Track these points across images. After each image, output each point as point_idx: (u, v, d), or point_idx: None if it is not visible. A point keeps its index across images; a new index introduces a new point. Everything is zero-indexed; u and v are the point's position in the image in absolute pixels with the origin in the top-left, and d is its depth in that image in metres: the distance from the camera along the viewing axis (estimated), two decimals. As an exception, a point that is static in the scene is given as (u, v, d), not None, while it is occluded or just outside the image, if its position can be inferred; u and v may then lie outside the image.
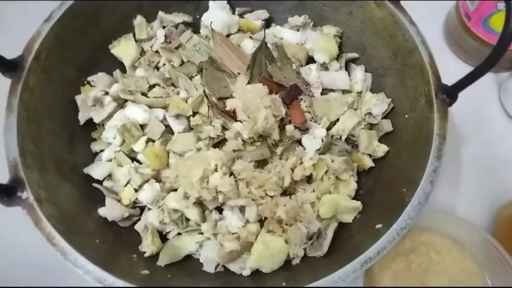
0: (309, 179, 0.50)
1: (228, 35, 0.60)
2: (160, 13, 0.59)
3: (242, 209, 0.47)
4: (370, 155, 0.53)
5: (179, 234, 0.50)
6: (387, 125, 0.52)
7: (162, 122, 0.53)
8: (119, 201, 0.50)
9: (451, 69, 0.68)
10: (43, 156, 0.47)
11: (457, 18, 0.68)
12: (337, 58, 0.58)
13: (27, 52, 0.47)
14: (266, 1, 0.62)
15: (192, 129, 0.53)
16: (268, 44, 0.56)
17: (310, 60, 0.58)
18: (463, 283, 0.51)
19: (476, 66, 0.42)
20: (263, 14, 0.61)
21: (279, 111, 0.47)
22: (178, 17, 0.60)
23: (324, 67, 0.57)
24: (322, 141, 0.49)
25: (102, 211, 0.49)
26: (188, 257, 0.49)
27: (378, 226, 0.42)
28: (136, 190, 0.50)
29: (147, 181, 0.50)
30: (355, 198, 0.50)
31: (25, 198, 0.41)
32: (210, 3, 0.60)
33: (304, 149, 0.50)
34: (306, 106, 0.53)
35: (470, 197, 0.61)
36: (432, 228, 0.54)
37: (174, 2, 0.60)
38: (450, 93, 0.44)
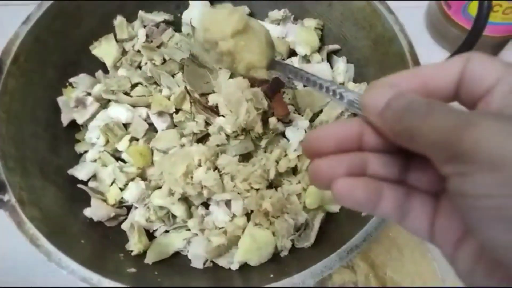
0: (294, 170, 0.50)
1: (209, 32, 0.60)
2: (141, 13, 0.59)
3: (228, 203, 0.47)
4: (355, 145, 0.53)
5: (166, 231, 0.49)
6: (370, 114, 0.52)
7: (145, 120, 0.53)
8: (105, 201, 0.49)
9: (434, 58, 0.68)
10: (26, 158, 0.46)
11: (438, 7, 0.68)
12: (319, 50, 0.58)
13: (5, 55, 0.47)
14: (247, -3, 0.62)
15: (175, 126, 0.53)
16: (249, 39, 0.56)
17: (292, 53, 0.58)
18: (414, 284, 0.51)
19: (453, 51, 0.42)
20: (244, 9, 0.61)
21: (261, 104, 0.47)
22: (159, 16, 0.60)
23: (306, 59, 0.57)
24: (305, 132, 0.49)
25: (87, 212, 0.48)
26: (176, 254, 0.48)
27: (364, 213, 0.42)
28: (121, 189, 0.50)
29: (132, 179, 0.50)
30: (342, 188, 0.50)
31: (6, 201, 0.41)
32: (191, 1, 0.60)
33: (288, 141, 0.50)
34: (289, 99, 0.53)
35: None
36: None
37: (155, 1, 0.60)
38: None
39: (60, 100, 0.53)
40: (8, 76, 0.46)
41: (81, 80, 0.55)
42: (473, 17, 0.61)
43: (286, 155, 0.48)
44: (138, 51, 0.58)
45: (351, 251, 0.39)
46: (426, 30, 0.73)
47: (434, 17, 0.70)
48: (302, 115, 0.52)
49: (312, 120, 0.52)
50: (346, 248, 0.39)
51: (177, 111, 0.52)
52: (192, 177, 0.45)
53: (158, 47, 0.58)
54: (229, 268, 0.46)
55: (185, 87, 0.52)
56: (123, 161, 0.52)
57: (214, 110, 0.50)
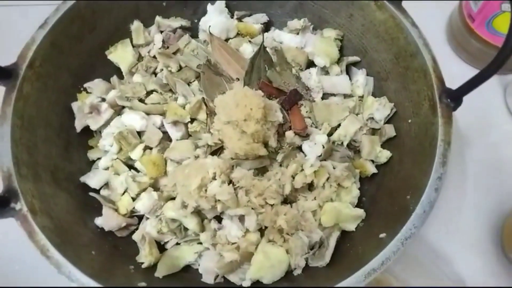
0: (310, 186, 0.48)
1: (226, 40, 0.59)
2: (158, 18, 0.58)
3: (241, 218, 0.46)
4: (372, 161, 0.51)
5: (177, 244, 0.48)
6: (390, 130, 0.51)
7: (159, 129, 0.52)
8: (116, 210, 0.49)
9: (455, 72, 0.66)
10: (38, 165, 0.46)
11: (460, 20, 0.66)
12: (338, 61, 0.56)
13: (21, 60, 0.47)
14: (265, 5, 0.61)
15: (190, 136, 0.52)
16: (267, 48, 0.55)
17: (310, 64, 0.57)
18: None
19: (481, 69, 0.41)
20: (262, 17, 0.60)
21: (275, 117, 0.46)
22: (176, 22, 0.59)
23: (325, 71, 0.56)
24: (323, 147, 0.48)
25: (98, 221, 0.47)
26: (187, 268, 0.48)
27: (382, 235, 0.41)
28: (133, 199, 0.49)
29: (144, 189, 0.49)
30: (358, 205, 0.49)
31: (18, 210, 0.40)
32: (209, 7, 0.59)
33: (305, 155, 0.49)
34: (307, 112, 0.51)
35: (476, 203, 0.59)
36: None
37: (172, 6, 0.60)
38: (455, 97, 0.43)
39: (75, 105, 0.53)
40: (23, 80, 0.46)
41: (95, 86, 0.54)
42: (498, 31, 0.60)
43: (302, 170, 0.47)
44: (154, 57, 0.58)
45: (369, 274, 0.38)
46: (446, 43, 0.71)
47: (456, 30, 0.68)
48: (320, 129, 0.51)
49: (330, 134, 0.51)
50: (364, 271, 0.38)
51: (192, 120, 0.51)
52: (206, 190, 0.44)
53: (174, 53, 0.57)
54: (241, 285, 0.45)
55: (202, 98, 0.51)
56: (136, 170, 0.51)
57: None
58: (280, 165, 0.49)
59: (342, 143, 0.51)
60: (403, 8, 0.49)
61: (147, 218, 0.49)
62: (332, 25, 0.58)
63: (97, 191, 0.50)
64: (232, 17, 0.60)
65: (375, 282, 0.50)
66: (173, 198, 0.48)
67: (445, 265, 0.52)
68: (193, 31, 0.61)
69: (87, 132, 0.53)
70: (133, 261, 0.46)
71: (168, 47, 0.58)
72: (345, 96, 0.55)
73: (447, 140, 0.42)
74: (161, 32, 0.59)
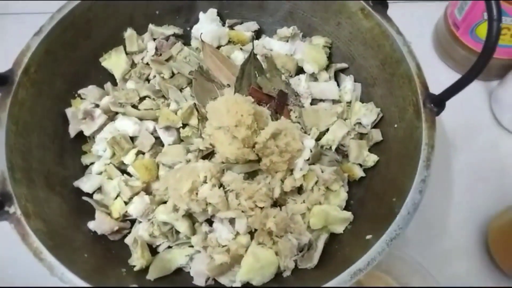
0: (299, 190, 0.49)
1: (218, 47, 0.60)
2: (151, 26, 0.60)
3: (232, 221, 0.47)
4: (360, 165, 0.53)
5: (169, 247, 0.49)
6: (376, 135, 0.52)
7: (152, 134, 0.53)
8: (109, 214, 0.49)
9: (441, 78, 0.67)
10: (32, 170, 0.46)
11: (445, 28, 0.68)
12: (327, 68, 0.58)
13: (17, 66, 0.48)
14: (257, 13, 0.63)
15: (182, 140, 0.53)
16: (257, 56, 0.56)
17: (300, 70, 0.58)
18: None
19: (462, 75, 0.42)
20: (253, 25, 0.62)
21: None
22: (169, 30, 0.60)
23: (314, 77, 0.57)
24: (311, 151, 0.49)
25: (91, 225, 0.48)
26: (178, 271, 0.48)
27: (368, 236, 0.42)
28: (126, 203, 0.50)
29: (137, 193, 0.50)
30: (346, 208, 0.50)
31: (12, 213, 0.41)
32: (201, 16, 0.60)
33: (294, 159, 0.50)
34: (296, 117, 0.53)
35: (462, 206, 0.60)
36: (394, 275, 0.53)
37: (165, 15, 0.61)
38: (438, 102, 0.45)
39: (69, 111, 0.53)
40: (18, 86, 0.47)
41: (89, 92, 0.55)
42: (481, 39, 0.62)
43: (291, 174, 0.48)
44: (147, 64, 0.59)
45: (355, 274, 0.39)
46: (433, 50, 0.73)
47: (442, 37, 0.70)
48: (308, 134, 0.52)
49: (318, 139, 0.52)
50: (350, 272, 0.39)
51: (184, 125, 0.52)
52: (197, 193, 0.45)
53: (167, 60, 0.59)
54: (231, 287, 0.46)
55: (194, 103, 0.52)
56: (129, 174, 0.52)
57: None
58: (270, 169, 0.50)
59: (330, 147, 0.52)
60: (389, 16, 0.51)
61: (140, 222, 0.50)
62: (321, 32, 0.59)
63: (90, 195, 0.51)
64: (223, 25, 0.62)
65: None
66: (165, 202, 0.49)
67: (432, 266, 0.53)
68: (185, 39, 0.62)
69: (81, 137, 0.54)
70: (125, 264, 0.46)
71: (161, 54, 0.59)
72: (334, 101, 0.56)
73: (430, 144, 0.44)
74: (154, 39, 0.60)
